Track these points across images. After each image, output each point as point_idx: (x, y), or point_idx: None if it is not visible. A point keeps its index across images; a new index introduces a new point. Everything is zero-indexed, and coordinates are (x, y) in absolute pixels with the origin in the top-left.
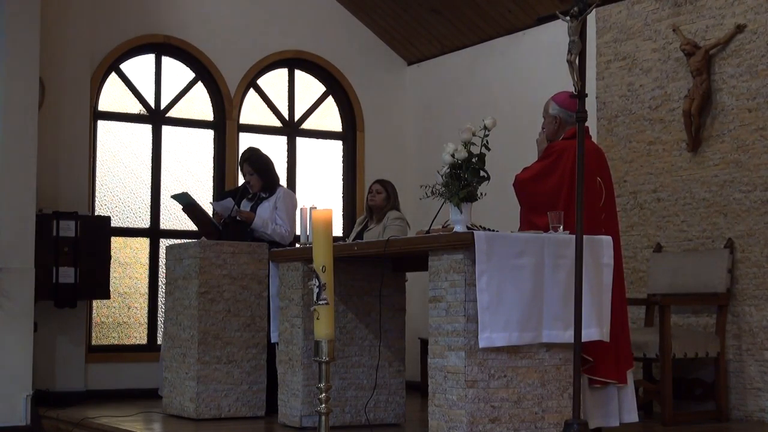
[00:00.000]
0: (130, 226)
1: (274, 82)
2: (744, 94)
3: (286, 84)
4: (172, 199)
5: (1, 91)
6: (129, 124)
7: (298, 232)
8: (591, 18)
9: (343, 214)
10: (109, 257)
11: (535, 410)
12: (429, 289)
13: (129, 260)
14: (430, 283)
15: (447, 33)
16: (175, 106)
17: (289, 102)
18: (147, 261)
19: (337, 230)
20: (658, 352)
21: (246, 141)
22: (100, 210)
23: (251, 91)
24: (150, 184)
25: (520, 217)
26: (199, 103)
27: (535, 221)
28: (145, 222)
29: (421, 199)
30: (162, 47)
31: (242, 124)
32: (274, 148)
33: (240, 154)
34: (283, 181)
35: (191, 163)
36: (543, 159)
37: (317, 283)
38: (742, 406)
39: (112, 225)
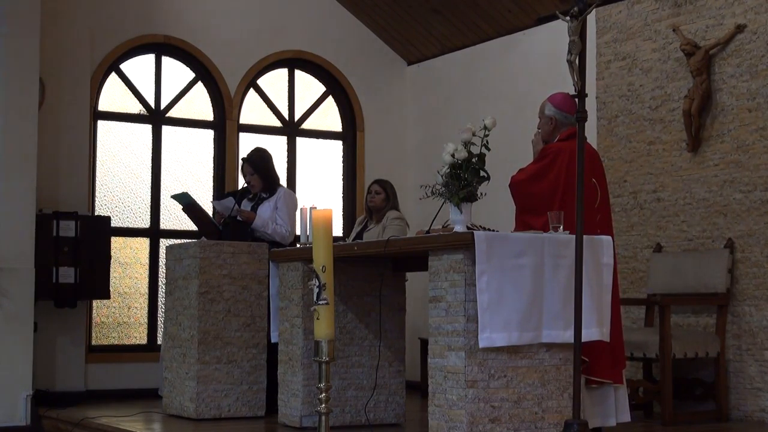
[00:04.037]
0: (130, 226)
1: (274, 82)
2: (744, 94)
3: (286, 84)
4: (172, 199)
5: (1, 91)
6: (129, 124)
7: (298, 232)
8: (591, 18)
9: (343, 214)
10: (109, 257)
11: (535, 410)
12: (429, 289)
13: (129, 260)
14: (430, 283)
15: (447, 33)
16: (175, 106)
17: (289, 102)
18: (147, 261)
19: (337, 230)
20: (658, 352)
21: (246, 141)
22: (100, 210)
23: (251, 91)
24: (150, 184)
25: (515, 218)
26: (199, 103)
27: (529, 222)
28: (145, 222)
29: (421, 199)
30: (162, 47)
31: (242, 124)
32: (274, 148)
33: (243, 154)
34: (283, 181)
35: (191, 163)
36: (538, 161)
37: (317, 283)
38: (742, 406)
39: (112, 225)
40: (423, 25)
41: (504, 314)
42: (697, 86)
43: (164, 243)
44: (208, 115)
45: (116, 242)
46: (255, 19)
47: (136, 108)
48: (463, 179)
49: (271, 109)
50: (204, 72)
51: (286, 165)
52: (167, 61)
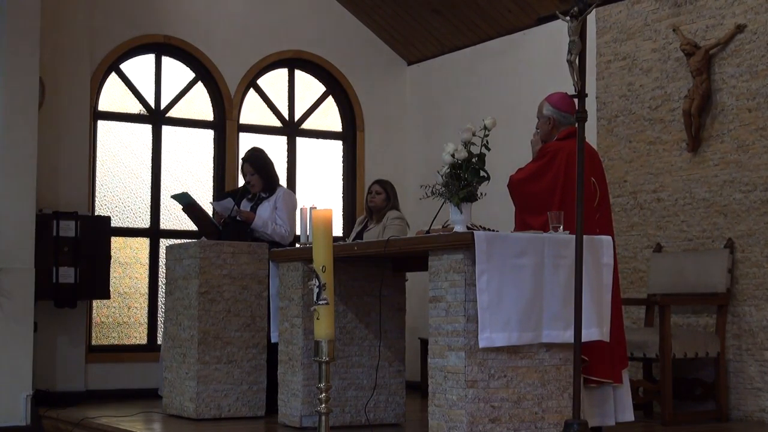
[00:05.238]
0: (130, 226)
1: (274, 82)
2: (744, 94)
3: (286, 84)
4: (172, 199)
5: (1, 91)
6: (129, 124)
7: (298, 232)
8: (591, 18)
9: (343, 214)
10: (109, 257)
11: (535, 410)
12: (429, 289)
13: (129, 260)
14: (430, 283)
15: (447, 33)
16: (175, 106)
17: (289, 102)
18: (147, 261)
19: (337, 230)
20: (658, 352)
21: (246, 141)
22: (100, 210)
23: (251, 91)
24: (150, 184)
25: (514, 218)
26: (199, 103)
27: (528, 221)
28: (145, 222)
29: (421, 199)
30: (162, 47)
31: (242, 124)
32: (274, 148)
33: (242, 154)
34: (283, 181)
35: (191, 163)
36: (537, 160)
37: (317, 283)
38: (742, 406)
39: (112, 225)
40: (423, 25)
41: (504, 314)
42: (697, 86)
43: (164, 243)
44: (208, 115)
45: (116, 242)
46: (255, 19)
47: (136, 108)
48: (463, 179)
49: (271, 109)
50: (204, 72)
51: (286, 165)
52: (167, 61)
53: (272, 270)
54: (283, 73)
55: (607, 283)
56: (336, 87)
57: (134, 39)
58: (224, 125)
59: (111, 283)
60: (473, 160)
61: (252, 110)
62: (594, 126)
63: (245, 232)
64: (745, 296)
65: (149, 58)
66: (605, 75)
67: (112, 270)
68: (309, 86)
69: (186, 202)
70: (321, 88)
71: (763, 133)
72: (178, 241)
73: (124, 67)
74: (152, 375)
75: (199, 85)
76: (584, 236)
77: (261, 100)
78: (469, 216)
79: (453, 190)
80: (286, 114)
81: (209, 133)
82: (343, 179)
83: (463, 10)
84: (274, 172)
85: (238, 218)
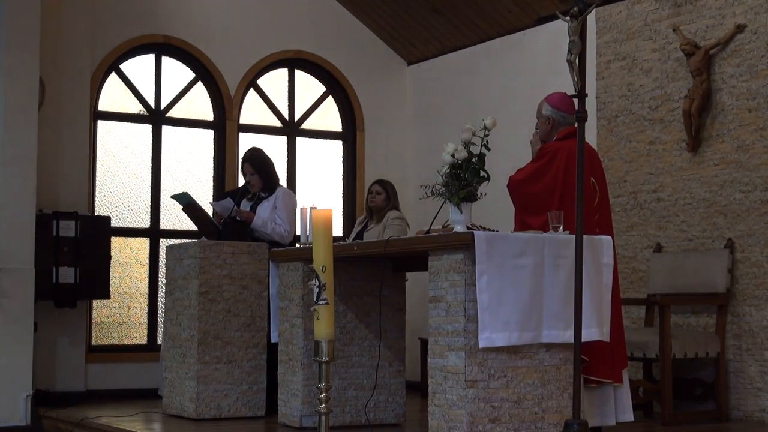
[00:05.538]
0: (130, 226)
1: (274, 82)
2: (744, 94)
3: (286, 84)
4: (172, 199)
5: (1, 91)
6: (129, 124)
7: (298, 232)
8: (591, 18)
9: (343, 214)
10: (109, 257)
11: (535, 410)
12: (429, 289)
13: (129, 260)
14: (430, 283)
15: (447, 33)
16: (175, 106)
17: (289, 102)
18: (147, 261)
19: (337, 230)
20: (658, 352)
21: (246, 141)
22: (100, 210)
23: (251, 91)
24: (150, 184)
25: (514, 218)
26: (199, 103)
27: (528, 222)
28: (145, 222)
29: (421, 199)
30: (162, 47)
31: (242, 124)
32: (274, 148)
33: (242, 154)
34: (283, 181)
35: (191, 163)
36: (536, 160)
37: (317, 283)
38: (742, 406)
39: (112, 225)
40: (423, 25)
41: (504, 314)
42: (697, 86)
43: (164, 243)
44: (208, 115)
45: (116, 242)
46: (255, 19)
47: (136, 108)
48: (463, 179)
49: (271, 109)
50: (204, 72)
51: (286, 165)
52: (167, 61)
53: (272, 270)
54: (283, 73)
55: (607, 283)
56: (336, 87)
57: (134, 39)
58: (224, 125)
59: (111, 283)
60: (473, 160)
61: (252, 110)
62: (594, 126)
63: (245, 232)
64: (745, 296)
65: (149, 58)
66: (605, 75)
67: (112, 270)
68: (309, 86)
69: (186, 202)
70: (321, 88)
71: (763, 133)
72: (178, 241)
73: (124, 67)
74: (152, 375)
75: (199, 85)
76: (584, 236)
77: (261, 100)
78: (469, 216)
79: (453, 190)
80: (286, 114)
81: (209, 133)
82: (343, 179)
83: (463, 10)
84: (274, 171)
85: (237, 218)
